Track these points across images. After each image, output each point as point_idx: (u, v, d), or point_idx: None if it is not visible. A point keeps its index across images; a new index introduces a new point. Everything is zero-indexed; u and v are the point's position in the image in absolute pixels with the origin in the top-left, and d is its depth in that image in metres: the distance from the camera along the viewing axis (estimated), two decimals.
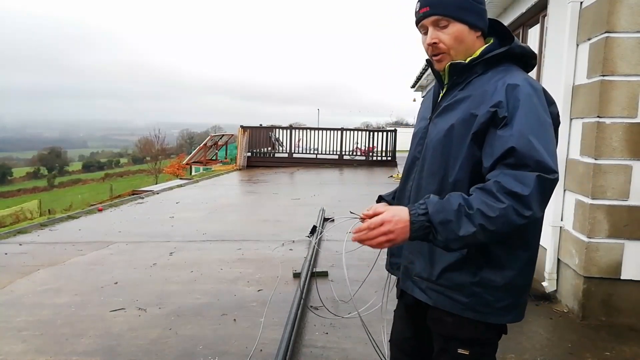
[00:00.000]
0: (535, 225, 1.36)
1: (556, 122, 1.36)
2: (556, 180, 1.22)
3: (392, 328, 1.70)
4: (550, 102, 1.36)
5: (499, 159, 1.23)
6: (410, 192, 1.49)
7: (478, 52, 1.40)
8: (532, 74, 4.74)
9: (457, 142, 1.33)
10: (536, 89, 1.31)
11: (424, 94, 1.60)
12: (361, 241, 1.24)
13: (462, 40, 1.37)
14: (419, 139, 1.49)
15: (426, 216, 1.20)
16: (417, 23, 1.43)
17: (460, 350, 1.39)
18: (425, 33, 1.40)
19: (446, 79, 1.44)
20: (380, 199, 1.70)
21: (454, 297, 1.35)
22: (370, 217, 1.26)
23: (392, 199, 1.68)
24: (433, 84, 1.64)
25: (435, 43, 1.37)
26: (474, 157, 1.31)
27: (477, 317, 1.35)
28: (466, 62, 1.38)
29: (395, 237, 1.20)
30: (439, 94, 1.49)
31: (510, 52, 1.38)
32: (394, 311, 1.72)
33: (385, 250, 1.70)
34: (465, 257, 1.33)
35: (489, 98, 1.30)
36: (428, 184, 1.40)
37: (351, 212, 1.40)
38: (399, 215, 1.21)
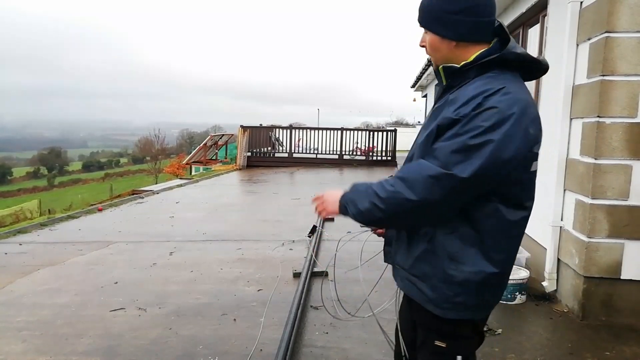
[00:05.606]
0: (477, 220, 1.31)
1: (532, 143, 1.26)
2: (451, 176, 1.22)
3: (398, 317, 1.71)
4: (533, 121, 1.27)
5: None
6: None
7: (472, 57, 1.35)
8: None
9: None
10: (506, 114, 1.21)
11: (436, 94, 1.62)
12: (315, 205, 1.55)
13: (435, 49, 1.43)
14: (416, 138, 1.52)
15: (345, 195, 1.47)
16: None
17: (437, 343, 1.41)
18: None
19: (444, 81, 1.45)
20: None
21: (421, 288, 1.40)
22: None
23: None
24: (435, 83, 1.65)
25: (423, 46, 1.48)
26: None
27: (437, 312, 1.37)
28: (459, 66, 1.36)
29: (328, 207, 1.51)
30: (440, 94, 1.50)
31: (502, 58, 1.31)
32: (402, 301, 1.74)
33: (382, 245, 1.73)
34: (430, 249, 1.37)
35: (457, 105, 1.28)
36: None
37: (361, 226, 1.63)
38: (335, 194, 1.51)
